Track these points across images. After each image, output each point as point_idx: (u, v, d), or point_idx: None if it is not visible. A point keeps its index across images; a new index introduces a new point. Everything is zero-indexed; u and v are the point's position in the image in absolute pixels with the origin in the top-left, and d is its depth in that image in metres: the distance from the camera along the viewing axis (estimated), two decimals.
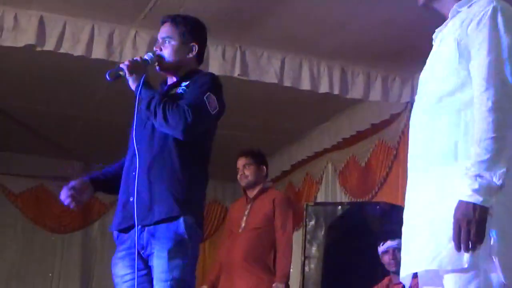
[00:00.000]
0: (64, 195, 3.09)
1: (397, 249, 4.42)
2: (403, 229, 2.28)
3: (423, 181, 2.22)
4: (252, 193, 4.83)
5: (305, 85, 5.43)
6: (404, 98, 5.66)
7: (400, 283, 4.36)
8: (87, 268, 8.46)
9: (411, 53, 4.94)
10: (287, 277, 4.56)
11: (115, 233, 3.07)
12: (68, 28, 4.93)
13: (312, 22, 4.98)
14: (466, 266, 2.04)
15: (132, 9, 4.90)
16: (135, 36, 5.03)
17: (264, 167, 4.87)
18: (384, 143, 6.04)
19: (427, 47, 2.37)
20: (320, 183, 6.98)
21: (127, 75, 2.97)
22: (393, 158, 5.85)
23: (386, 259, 4.47)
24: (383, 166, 5.98)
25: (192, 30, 3.15)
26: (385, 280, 4.50)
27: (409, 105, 5.68)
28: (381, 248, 4.50)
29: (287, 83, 5.40)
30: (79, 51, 4.96)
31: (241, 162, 4.86)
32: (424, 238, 2.16)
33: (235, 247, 4.71)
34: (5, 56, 5.38)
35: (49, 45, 4.89)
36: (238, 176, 4.86)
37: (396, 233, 4.62)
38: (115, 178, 3.12)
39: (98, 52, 4.98)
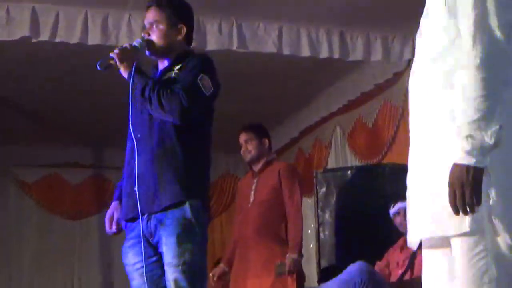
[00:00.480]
0: (108, 229, 3.16)
1: None
2: (407, 193, 2.26)
3: (424, 145, 2.18)
4: (257, 167, 4.81)
5: (305, 52, 5.37)
6: (406, 55, 5.60)
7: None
8: (106, 251, 8.52)
9: (409, 10, 4.84)
10: (299, 247, 4.54)
11: (123, 222, 3.08)
12: (61, 17, 4.89)
13: None
14: (468, 230, 2.02)
15: None
16: (129, 19, 4.99)
17: (267, 140, 4.83)
18: (389, 102, 6.00)
19: (425, 2, 2.31)
20: (329, 147, 6.95)
21: (118, 63, 2.95)
22: (399, 116, 5.81)
23: (397, 220, 4.46)
24: (390, 126, 5.94)
25: (178, 12, 3.13)
26: (400, 241, 4.49)
27: (411, 62, 5.61)
28: (392, 210, 4.49)
29: (286, 51, 5.34)
30: (75, 39, 4.94)
31: (242, 137, 4.81)
32: (427, 204, 2.13)
33: (247, 221, 4.71)
34: (5, 48, 5.36)
35: (44, 36, 4.86)
36: (242, 151, 4.83)
37: (406, 194, 4.62)
38: None
39: (94, 38, 4.95)
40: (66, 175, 8.57)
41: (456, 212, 1.98)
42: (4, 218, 8.42)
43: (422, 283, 4.15)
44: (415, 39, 5.57)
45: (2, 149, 8.22)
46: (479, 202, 1.97)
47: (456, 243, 2.08)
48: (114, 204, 3.20)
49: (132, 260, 3.00)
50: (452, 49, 2.10)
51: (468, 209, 1.96)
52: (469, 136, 1.95)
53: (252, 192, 4.76)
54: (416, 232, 2.20)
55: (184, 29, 3.13)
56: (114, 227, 3.16)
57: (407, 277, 4.25)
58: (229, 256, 4.87)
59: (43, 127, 7.65)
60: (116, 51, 2.97)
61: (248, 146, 4.78)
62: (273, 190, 4.68)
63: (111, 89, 6.32)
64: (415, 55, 2.30)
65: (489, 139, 1.94)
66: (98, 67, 2.93)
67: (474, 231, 2.02)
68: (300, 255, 4.55)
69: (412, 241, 2.25)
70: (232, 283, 4.78)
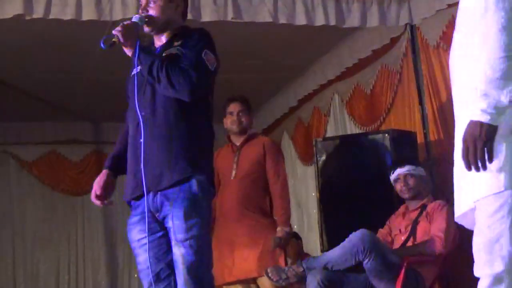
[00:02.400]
0: (95, 201, 3.18)
1: (408, 175, 4.40)
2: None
3: (458, 117, 2.25)
4: (239, 140, 4.76)
5: (301, 20, 5.31)
6: (402, 20, 5.55)
7: (417, 209, 4.37)
8: (109, 226, 8.55)
9: None
10: (289, 220, 4.59)
11: (127, 200, 3.09)
12: None
13: None
14: (503, 189, 2.07)
15: None
16: None
17: (252, 116, 4.89)
18: (387, 68, 5.95)
19: None
20: (328, 115, 6.92)
21: (121, 40, 2.91)
22: (397, 82, 5.77)
23: (398, 186, 4.45)
24: (388, 91, 5.91)
25: None
26: (401, 208, 4.49)
27: (408, 26, 5.58)
28: (392, 177, 4.48)
29: (282, 20, 5.28)
30: (68, 15, 4.87)
31: (236, 107, 4.75)
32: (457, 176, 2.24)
33: (229, 194, 4.66)
34: (9, 27, 5.31)
35: (38, 13, 4.79)
36: (230, 120, 4.76)
37: (405, 160, 4.61)
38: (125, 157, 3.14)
39: (88, 14, 4.88)
40: (66, 152, 8.57)
41: (468, 168, 2.04)
42: (6, 197, 8.45)
43: (426, 248, 4.16)
44: (412, 2, 5.55)
45: (1, 127, 8.23)
46: (491, 159, 2.03)
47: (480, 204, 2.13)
48: (105, 172, 3.19)
49: (138, 236, 3.01)
50: (479, 24, 2.14)
51: (480, 164, 2.02)
52: (485, 94, 2.02)
53: (234, 165, 4.70)
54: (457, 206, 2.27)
55: (181, 4, 3.11)
56: (99, 191, 3.14)
57: (409, 243, 4.27)
58: None
59: (41, 104, 7.62)
60: (118, 28, 2.93)
61: (242, 117, 4.74)
62: (257, 163, 4.66)
63: (108, 65, 6.34)
64: (455, 32, 2.35)
65: (504, 98, 2.01)
66: (102, 45, 2.89)
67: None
68: (291, 229, 4.60)
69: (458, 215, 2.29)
70: (216, 261, 4.69)
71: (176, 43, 3.04)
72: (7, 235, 8.39)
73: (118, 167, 3.20)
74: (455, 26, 2.35)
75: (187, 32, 3.07)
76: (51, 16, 4.85)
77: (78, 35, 5.66)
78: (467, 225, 2.30)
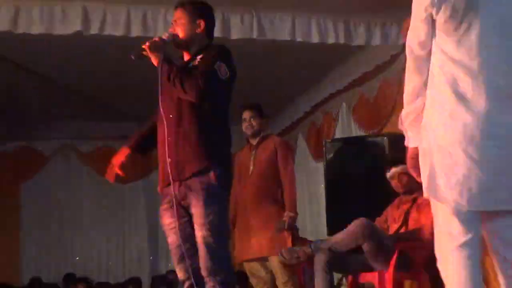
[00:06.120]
0: (110, 177, 3.20)
1: (402, 174, 4.33)
2: None
3: None
4: (254, 141, 4.81)
5: (315, 38, 5.31)
6: (402, 39, 5.50)
7: (409, 202, 4.30)
8: (152, 210, 8.56)
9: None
10: (295, 206, 4.61)
11: (159, 188, 3.09)
12: (108, 14, 4.87)
13: None
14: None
15: None
16: (165, 14, 4.96)
17: (266, 119, 4.90)
18: (388, 80, 5.90)
19: None
20: (337, 119, 6.89)
21: (149, 53, 2.94)
22: (396, 93, 5.71)
23: (393, 183, 4.39)
24: (388, 100, 5.86)
25: (197, 9, 3.13)
26: (396, 201, 4.42)
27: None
28: (388, 174, 4.41)
29: (299, 38, 5.28)
30: (120, 31, 4.92)
31: (248, 114, 4.80)
32: None
33: (247, 188, 4.73)
34: (66, 42, 5.31)
35: (94, 30, 4.85)
36: (244, 126, 4.82)
37: (400, 160, 4.54)
38: (150, 138, 3.17)
39: (136, 31, 4.93)
40: (116, 146, 8.60)
41: None
42: (66, 184, 8.58)
43: (416, 235, 4.11)
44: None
45: (65, 125, 8.32)
46: None
47: None
48: (124, 150, 3.22)
49: (167, 221, 3.04)
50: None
51: None
52: None
53: (252, 162, 4.75)
54: None
55: (203, 24, 3.11)
56: (117, 172, 3.15)
57: (402, 231, 4.22)
58: (231, 218, 4.71)
59: (96, 106, 7.68)
60: (147, 43, 2.96)
61: (252, 122, 4.77)
62: (270, 160, 4.70)
63: (152, 71, 6.36)
64: None
65: None
66: (132, 56, 2.94)
67: None
68: (296, 213, 4.60)
69: None
70: (237, 242, 4.80)
71: (198, 57, 3.06)
72: (66, 216, 8.52)
73: (140, 145, 3.25)
74: None
75: (209, 48, 3.09)
76: (105, 33, 4.88)
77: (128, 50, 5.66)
78: None
